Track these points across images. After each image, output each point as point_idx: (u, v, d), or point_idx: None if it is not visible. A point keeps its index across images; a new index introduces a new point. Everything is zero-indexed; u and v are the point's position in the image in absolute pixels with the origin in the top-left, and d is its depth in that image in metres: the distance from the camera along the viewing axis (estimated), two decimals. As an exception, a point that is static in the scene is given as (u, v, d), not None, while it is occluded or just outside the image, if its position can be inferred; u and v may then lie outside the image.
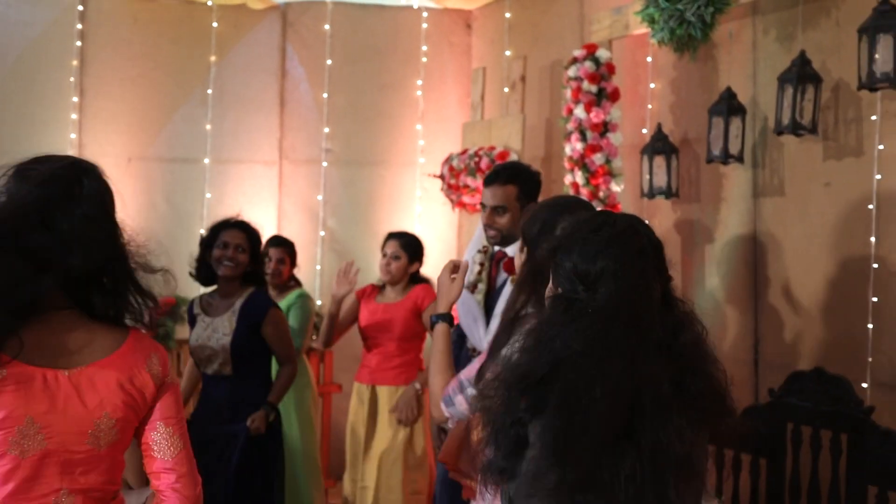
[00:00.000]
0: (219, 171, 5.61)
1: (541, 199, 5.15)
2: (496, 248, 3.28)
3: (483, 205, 3.16)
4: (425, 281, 4.18)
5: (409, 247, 4.11)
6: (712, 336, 4.12)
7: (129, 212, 6.12)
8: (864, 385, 3.22)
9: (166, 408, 1.71)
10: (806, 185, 3.59)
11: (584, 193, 3.99)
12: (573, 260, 1.60)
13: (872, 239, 3.25)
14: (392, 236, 4.19)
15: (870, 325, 3.24)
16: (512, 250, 3.21)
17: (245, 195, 5.65)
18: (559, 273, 1.63)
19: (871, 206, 3.25)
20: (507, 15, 5.49)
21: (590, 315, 1.55)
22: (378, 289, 4.22)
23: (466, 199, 4.74)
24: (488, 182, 3.15)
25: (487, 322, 3.21)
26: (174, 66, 5.56)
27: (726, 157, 3.48)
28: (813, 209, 3.56)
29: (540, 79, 5.17)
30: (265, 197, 5.69)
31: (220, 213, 5.61)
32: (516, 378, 1.57)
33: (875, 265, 3.25)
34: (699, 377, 1.60)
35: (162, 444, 1.69)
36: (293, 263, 4.55)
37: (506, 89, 5.35)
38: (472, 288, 3.31)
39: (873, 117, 3.26)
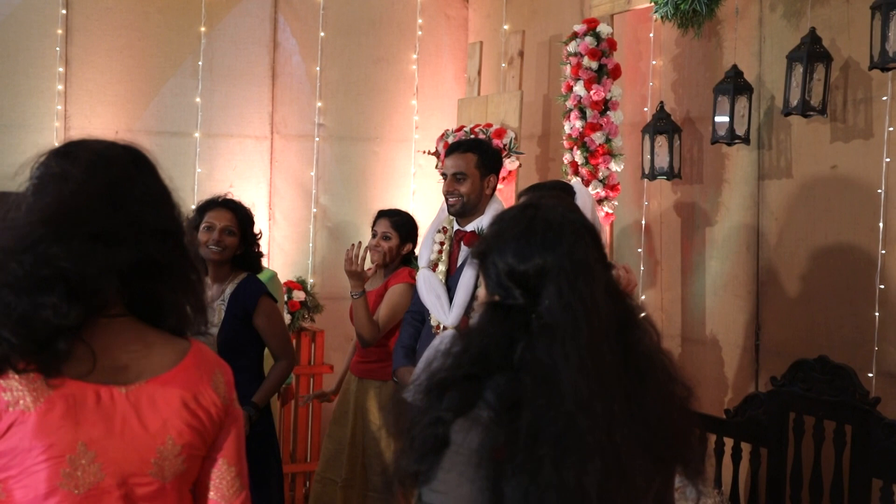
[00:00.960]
0: (209, 145, 5.47)
1: (535, 177, 5.08)
2: (455, 227, 3.29)
3: (444, 174, 3.30)
4: (409, 263, 3.88)
5: (402, 226, 3.81)
6: (713, 321, 4.06)
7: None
8: (870, 375, 3.14)
9: (230, 442, 1.46)
10: (812, 168, 3.48)
11: (584, 173, 3.88)
12: (507, 261, 1.46)
13: (881, 224, 3.15)
14: (383, 214, 3.88)
15: (876, 314, 3.15)
16: (472, 226, 3.24)
17: (236, 170, 5.52)
18: (491, 277, 1.49)
19: (879, 191, 3.15)
20: (506, -12, 5.35)
21: (545, 333, 1.41)
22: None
23: (462, 176, 4.61)
24: (449, 152, 3.31)
25: (451, 299, 3.24)
26: (163, 37, 5.40)
27: (732, 138, 3.37)
28: (819, 192, 3.45)
29: (538, 54, 5.04)
30: (256, 172, 5.56)
31: (211, 187, 5.50)
32: (437, 382, 1.47)
33: (883, 251, 3.15)
34: (654, 400, 1.49)
35: (222, 485, 1.44)
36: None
37: (503, 65, 5.22)
38: (434, 266, 3.34)
39: (884, 98, 3.14)
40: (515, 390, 1.37)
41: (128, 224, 1.35)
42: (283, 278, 5.33)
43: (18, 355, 1.26)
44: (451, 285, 3.25)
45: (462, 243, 3.25)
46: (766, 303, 3.69)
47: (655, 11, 3.60)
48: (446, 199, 3.24)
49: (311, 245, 5.60)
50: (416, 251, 3.79)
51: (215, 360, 1.48)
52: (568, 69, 3.95)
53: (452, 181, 3.21)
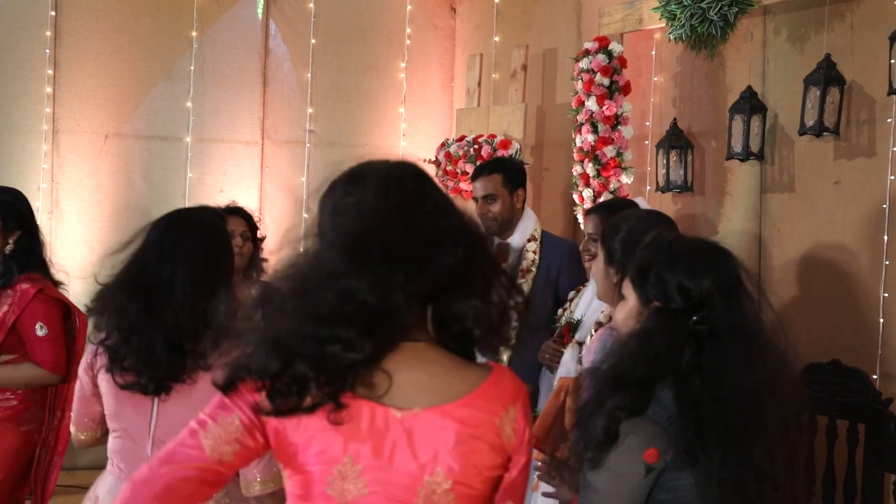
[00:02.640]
0: (200, 150, 5.47)
1: (530, 186, 5.23)
2: (497, 240, 3.43)
3: (475, 198, 3.46)
4: None
5: None
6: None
7: (107, 191, 5.98)
8: (875, 377, 3.37)
9: (517, 484, 1.37)
10: (815, 183, 3.71)
11: (595, 185, 4.04)
12: (678, 277, 1.72)
13: (885, 237, 3.39)
14: None
15: (881, 320, 3.39)
16: (514, 241, 3.39)
17: (226, 175, 5.53)
18: (656, 288, 1.75)
19: (884, 206, 3.39)
20: (497, 0, 5.49)
21: (717, 339, 1.68)
22: None
23: (464, 185, 4.74)
24: (475, 177, 3.50)
25: None
26: (153, 41, 5.38)
27: (747, 155, 3.57)
28: (822, 206, 3.68)
29: (532, 67, 5.19)
30: (247, 178, 5.58)
31: (201, 192, 5.51)
32: (614, 378, 1.68)
33: (887, 262, 3.39)
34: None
35: None
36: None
37: (493, 76, 5.36)
38: None
39: (889, 119, 3.39)
40: (691, 391, 1.56)
41: (424, 244, 1.33)
42: (274, 283, 5.36)
43: (314, 387, 1.30)
44: None
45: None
46: (769, 310, 3.90)
47: (670, 32, 3.78)
48: (482, 223, 3.39)
49: (301, 251, 5.63)
50: None
51: (512, 395, 1.37)
52: (579, 85, 4.11)
53: (484, 204, 3.39)
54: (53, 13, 5.18)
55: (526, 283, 3.31)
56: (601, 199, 4.00)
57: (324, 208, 1.45)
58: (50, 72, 5.19)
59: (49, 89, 5.19)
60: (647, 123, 4.33)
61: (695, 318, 1.68)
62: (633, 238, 2.15)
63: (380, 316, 1.30)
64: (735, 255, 1.84)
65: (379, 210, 1.34)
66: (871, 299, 3.45)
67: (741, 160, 3.65)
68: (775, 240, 3.89)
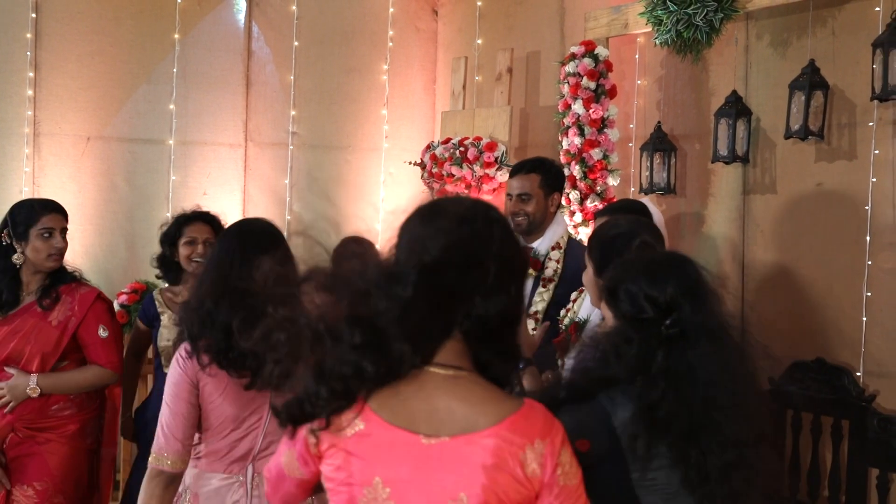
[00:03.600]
0: (183, 152, 5.45)
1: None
2: (522, 241, 3.43)
3: (509, 195, 3.44)
4: None
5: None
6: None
7: (89, 194, 5.94)
8: (858, 374, 3.46)
9: None
10: (797, 185, 3.80)
11: (582, 187, 4.10)
12: (643, 288, 1.85)
13: (867, 238, 3.48)
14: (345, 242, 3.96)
15: (864, 318, 3.48)
16: (541, 245, 3.39)
17: (210, 178, 5.52)
18: (625, 301, 1.88)
19: (867, 207, 3.48)
20: (479, 3, 5.53)
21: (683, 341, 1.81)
22: None
23: (450, 187, 4.77)
24: (514, 173, 3.48)
25: None
26: (135, 43, 5.35)
27: (733, 158, 3.65)
28: (804, 207, 3.77)
29: (515, 69, 5.23)
30: (230, 180, 5.57)
31: (185, 195, 5.50)
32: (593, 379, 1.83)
33: (869, 262, 3.48)
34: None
35: None
36: None
37: (476, 78, 5.41)
38: None
39: (870, 123, 3.48)
40: (654, 393, 1.74)
41: (477, 284, 1.40)
42: (259, 286, 5.36)
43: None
44: None
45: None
46: (752, 308, 3.99)
47: (656, 37, 3.84)
48: (513, 219, 3.37)
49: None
50: None
51: (542, 430, 1.40)
52: (566, 88, 4.16)
53: (518, 202, 3.37)
54: (34, 15, 5.14)
55: (547, 293, 3.32)
56: (588, 202, 4.06)
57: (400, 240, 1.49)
58: (31, 74, 5.15)
59: (30, 92, 5.15)
60: (631, 126, 4.39)
61: (667, 322, 1.79)
62: (618, 248, 2.23)
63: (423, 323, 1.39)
64: (693, 259, 1.95)
65: (447, 239, 1.41)
66: (853, 298, 3.54)
67: (727, 163, 3.73)
68: (758, 241, 3.97)
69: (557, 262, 3.36)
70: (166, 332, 3.44)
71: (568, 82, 4.13)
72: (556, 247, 3.41)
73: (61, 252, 3.25)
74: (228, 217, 5.59)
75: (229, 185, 5.57)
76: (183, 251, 3.44)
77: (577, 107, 4.05)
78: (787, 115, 3.44)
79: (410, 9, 5.92)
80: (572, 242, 3.55)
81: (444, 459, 1.36)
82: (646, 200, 3.05)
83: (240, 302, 2.10)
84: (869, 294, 3.48)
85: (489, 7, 5.50)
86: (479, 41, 5.49)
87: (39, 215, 3.19)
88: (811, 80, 3.34)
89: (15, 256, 3.15)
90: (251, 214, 5.60)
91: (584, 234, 4.20)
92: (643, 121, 4.37)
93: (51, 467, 3.16)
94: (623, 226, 2.29)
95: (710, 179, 4.14)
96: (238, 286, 2.13)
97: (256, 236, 2.31)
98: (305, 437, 1.44)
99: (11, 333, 3.15)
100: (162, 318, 3.46)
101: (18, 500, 3.10)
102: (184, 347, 2.29)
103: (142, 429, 3.43)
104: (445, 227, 1.42)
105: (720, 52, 4.02)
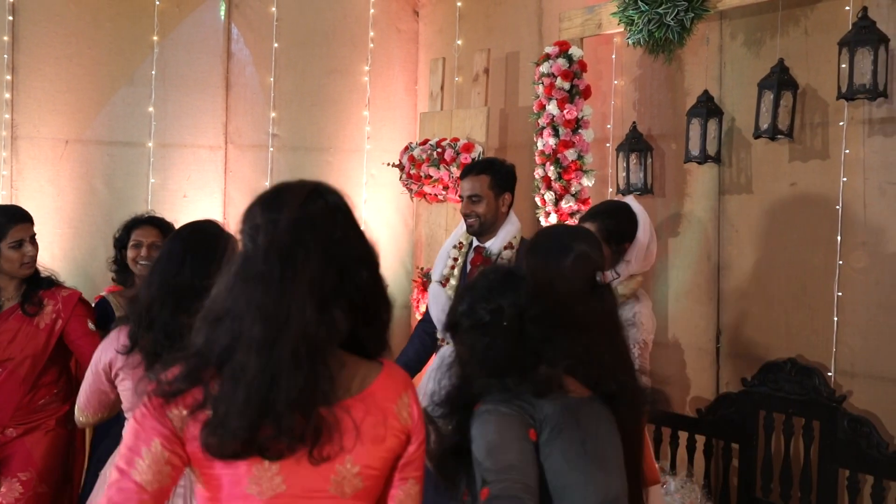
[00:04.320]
0: (162, 154, 5.43)
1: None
2: (475, 243, 3.44)
3: (461, 196, 3.45)
4: None
5: None
6: (676, 326, 4.34)
7: (67, 197, 5.91)
8: (830, 374, 3.45)
9: (418, 460, 1.53)
10: (771, 185, 3.79)
11: (557, 188, 4.08)
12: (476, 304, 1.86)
13: (839, 237, 3.47)
14: None
15: (835, 318, 3.47)
16: (493, 245, 3.39)
17: (190, 180, 5.50)
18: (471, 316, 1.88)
19: (837, 207, 3.47)
20: (459, 4, 5.52)
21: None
22: None
23: (428, 188, 4.76)
24: (464, 175, 3.48)
25: None
26: (114, 45, 5.33)
27: (705, 158, 3.64)
28: (778, 207, 3.76)
29: (494, 70, 5.22)
30: (210, 182, 5.55)
31: (165, 198, 5.49)
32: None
33: (840, 262, 3.47)
34: None
35: (407, 501, 1.53)
36: None
37: (456, 79, 5.39)
38: (445, 282, 3.46)
39: (840, 123, 3.46)
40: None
41: (339, 268, 1.46)
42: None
43: None
44: None
45: (471, 262, 3.40)
46: (727, 309, 3.98)
47: (629, 37, 3.83)
48: (465, 220, 3.39)
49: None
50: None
51: (404, 384, 1.54)
52: (540, 89, 4.15)
53: (468, 203, 3.38)
54: (11, 18, 5.12)
55: None
56: (563, 202, 4.05)
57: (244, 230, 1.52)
58: (8, 77, 5.12)
59: (7, 95, 5.13)
60: (609, 126, 4.38)
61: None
62: (555, 258, 2.18)
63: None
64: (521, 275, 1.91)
65: (290, 232, 1.45)
66: (825, 298, 3.53)
67: (699, 163, 3.72)
68: (733, 240, 3.96)
69: (510, 261, 3.36)
70: None
71: (542, 83, 4.12)
72: (509, 246, 3.41)
73: (33, 258, 3.35)
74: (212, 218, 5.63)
75: (209, 187, 5.55)
76: (129, 254, 3.48)
77: (552, 107, 4.03)
78: (755, 115, 3.43)
79: (391, 10, 5.91)
80: (525, 242, 3.54)
81: (327, 427, 1.40)
82: (629, 200, 3.03)
83: (182, 303, 2.09)
84: (840, 294, 3.47)
85: (469, 8, 5.49)
86: (459, 42, 5.48)
87: (7, 229, 3.22)
88: (780, 80, 3.33)
89: None
90: (232, 217, 5.58)
91: (559, 234, 4.19)
92: (620, 121, 4.36)
93: (35, 458, 3.28)
94: (562, 233, 2.27)
95: (687, 179, 4.13)
96: (181, 287, 2.12)
97: (200, 238, 2.30)
98: (171, 426, 1.41)
99: None
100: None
101: (5, 494, 3.15)
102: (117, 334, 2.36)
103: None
104: (286, 212, 1.45)
105: (695, 51, 4.01)
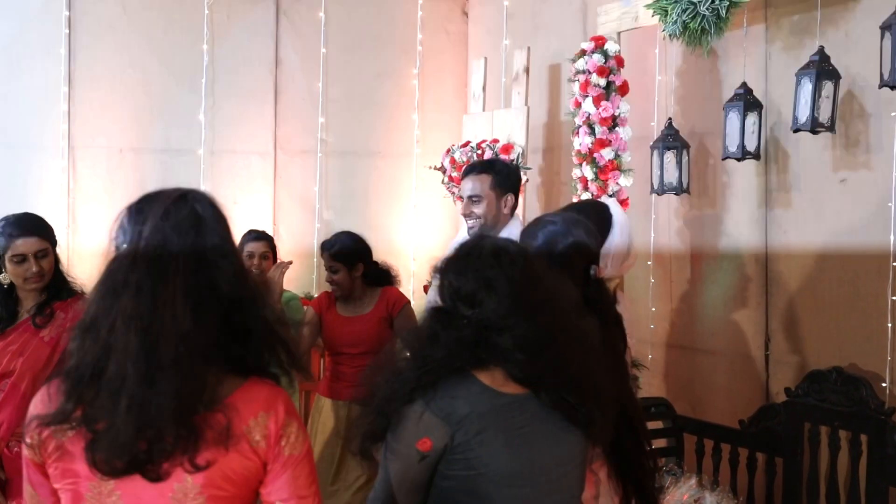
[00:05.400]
0: (213, 162, 5.49)
1: (541, 190, 5.13)
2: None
3: (461, 197, 3.29)
4: (389, 280, 3.87)
5: (341, 255, 3.74)
6: (723, 332, 4.11)
7: (123, 204, 6.02)
8: (884, 385, 3.20)
9: (283, 484, 1.43)
10: (820, 183, 3.55)
11: (594, 188, 3.93)
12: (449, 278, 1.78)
13: (892, 237, 3.22)
14: (322, 248, 3.85)
15: (889, 324, 3.22)
16: None
17: (240, 187, 5.54)
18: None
19: (890, 204, 3.22)
20: (506, 3, 5.41)
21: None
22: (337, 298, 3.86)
23: (469, 192, 4.65)
24: (465, 174, 3.31)
25: None
26: (165, 55, 5.42)
27: (743, 154, 3.43)
28: (828, 206, 3.52)
29: (541, 69, 5.09)
30: (260, 189, 5.59)
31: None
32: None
33: (894, 263, 3.22)
34: None
35: None
36: (276, 259, 4.26)
37: (503, 80, 5.28)
38: None
39: (893, 113, 3.22)
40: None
41: (211, 279, 1.43)
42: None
43: None
44: None
45: None
46: (776, 314, 3.76)
47: (663, 30, 3.66)
48: (466, 221, 3.26)
49: (315, 260, 5.62)
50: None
51: (265, 404, 1.43)
52: (576, 86, 4.00)
53: (468, 203, 3.21)
54: (67, 31, 5.26)
55: None
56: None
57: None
58: (65, 89, 5.26)
59: (65, 106, 5.26)
60: (652, 124, 4.20)
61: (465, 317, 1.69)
62: (549, 245, 2.07)
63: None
64: (508, 248, 1.78)
65: (158, 240, 1.43)
66: (879, 303, 3.29)
67: (737, 159, 3.51)
68: (781, 242, 3.74)
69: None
70: None
71: (578, 80, 3.97)
72: None
73: (38, 275, 3.11)
74: (259, 226, 5.67)
75: (259, 193, 5.58)
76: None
77: (587, 105, 3.89)
78: (793, 107, 3.21)
79: (440, 11, 5.85)
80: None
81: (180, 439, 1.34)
82: (610, 202, 2.87)
83: None
84: (894, 298, 3.22)
85: (516, 6, 5.37)
86: (507, 42, 5.37)
87: (10, 241, 3.06)
88: (820, 69, 3.11)
89: (1, 276, 3.14)
90: (282, 223, 5.62)
91: (597, 237, 4.04)
92: (665, 118, 4.17)
93: None
94: (561, 222, 2.14)
95: (732, 178, 3.92)
96: None
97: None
98: (27, 456, 1.43)
99: (3, 349, 3.15)
100: None
101: None
102: None
103: None
104: (151, 220, 1.43)
105: (738, 42, 3.80)
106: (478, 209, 3.19)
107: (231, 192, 5.54)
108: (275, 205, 5.63)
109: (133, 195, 5.44)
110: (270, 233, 5.68)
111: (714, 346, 4.03)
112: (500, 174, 3.24)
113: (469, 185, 3.21)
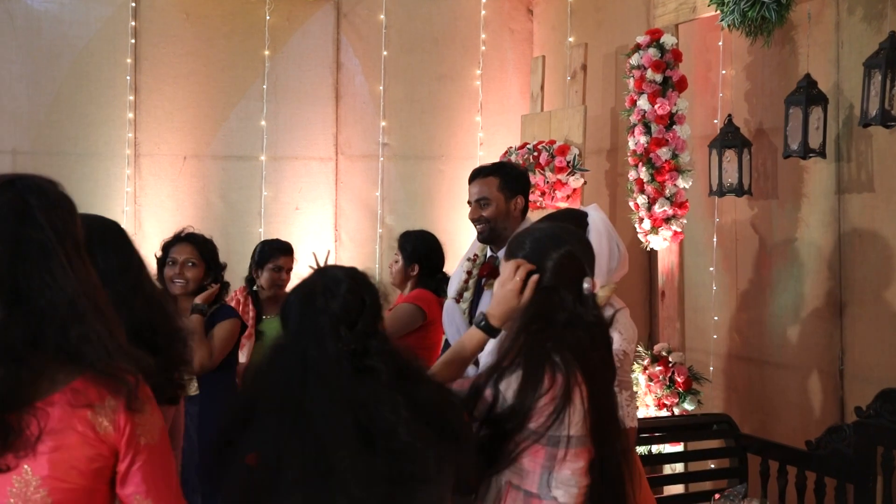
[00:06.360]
0: (274, 167, 5.48)
1: (604, 192, 4.91)
2: (489, 253, 3.14)
3: (469, 202, 3.14)
4: (427, 285, 3.72)
5: (405, 247, 3.74)
6: (793, 343, 3.81)
7: (186, 211, 6.06)
8: (966, 405, 2.89)
9: (138, 475, 1.38)
10: (897, 181, 3.25)
11: (650, 190, 3.71)
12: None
13: (975, 241, 2.91)
14: (398, 238, 3.87)
15: (973, 338, 2.90)
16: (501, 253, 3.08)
17: (301, 192, 5.51)
18: None
19: (973, 205, 2.91)
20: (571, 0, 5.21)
21: None
22: None
23: (527, 195, 4.48)
24: (472, 178, 3.17)
25: None
26: (228, 62, 5.44)
27: (806, 152, 3.16)
28: (905, 207, 3.22)
29: (604, 66, 4.88)
30: (322, 194, 5.54)
31: (277, 210, 5.54)
32: None
33: (978, 271, 2.90)
34: None
35: None
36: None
37: (568, 79, 5.08)
38: (459, 297, 3.18)
39: (976, 105, 2.90)
40: None
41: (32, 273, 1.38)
42: (349, 300, 5.29)
43: None
44: (473, 313, 3.09)
45: (479, 272, 3.11)
46: (851, 325, 3.45)
47: (722, 19, 3.41)
48: (475, 226, 3.09)
49: (377, 265, 5.55)
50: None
51: (111, 388, 1.35)
52: (631, 83, 3.79)
53: (476, 207, 3.07)
54: (133, 41, 5.33)
55: None
56: (657, 207, 3.67)
57: None
58: (131, 98, 5.34)
59: (130, 115, 5.34)
60: (715, 121, 3.94)
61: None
62: (537, 254, 1.94)
63: None
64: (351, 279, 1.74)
65: None
66: (962, 314, 2.97)
67: (801, 158, 3.23)
68: (855, 245, 3.43)
69: None
70: None
71: (633, 76, 3.76)
72: None
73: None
74: (323, 230, 5.62)
75: (321, 199, 5.54)
76: (166, 272, 3.34)
77: (642, 102, 3.66)
78: (862, 99, 2.93)
79: (504, 10, 5.69)
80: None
81: (7, 433, 1.30)
82: (591, 209, 2.64)
83: None
84: (978, 309, 2.90)
85: (580, 2, 5.16)
86: (571, 38, 5.16)
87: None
88: (889, 58, 2.82)
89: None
90: (343, 229, 5.57)
91: (654, 243, 3.81)
92: (731, 115, 3.90)
93: None
94: (550, 230, 1.98)
95: (802, 177, 3.63)
96: None
97: None
98: None
99: None
100: None
101: None
102: None
103: None
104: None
105: (807, 32, 3.51)
106: (486, 212, 3.04)
107: (292, 199, 5.52)
108: (336, 210, 5.57)
109: (196, 202, 5.50)
110: (332, 238, 5.68)
111: (783, 359, 3.75)
112: (509, 176, 3.09)
113: (476, 189, 3.07)
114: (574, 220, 2.41)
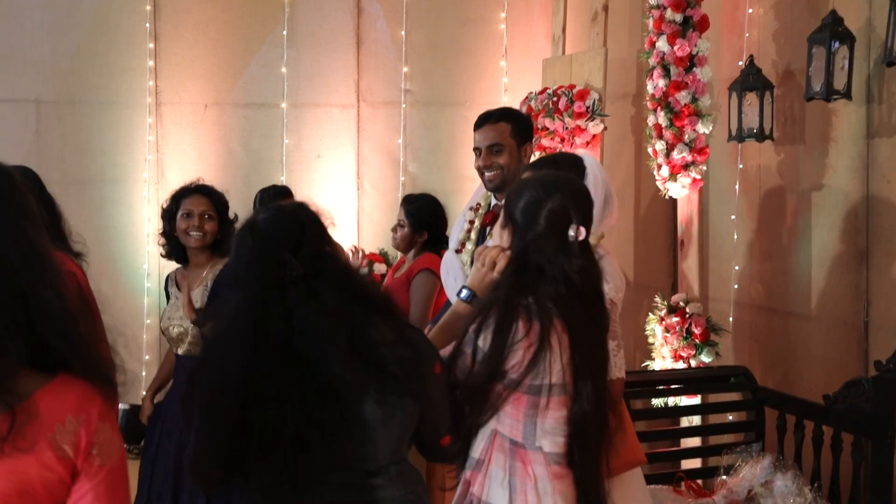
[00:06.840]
0: (295, 115, 5.42)
1: (629, 138, 4.76)
2: (493, 202, 3.03)
3: (477, 149, 2.97)
4: (433, 250, 3.69)
5: (414, 214, 3.68)
6: (817, 294, 3.67)
7: (208, 160, 6.01)
8: None
9: (91, 500, 1.24)
10: (929, 124, 3.07)
11: (668, 136, 3.57)
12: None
13: None
14: (403, 201, 3.82)
15: None
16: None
17: (322, 140, 5.45)
18: None
19: None
20: (597, -64, 5.00)
21: None
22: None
23: (545, 142, 4.36)
24: (478, 125, 2.99)
25: None
26: (247, 8, 5.36)
27: (829, 94, 3.00)
28: (937, 152, 3.05)
29: (631, 6, 4.70)
30: (343, 141, 5.47)
31: (299, 158, 5.49)
32: None
33: None
34: None
35: None
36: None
37: (591, 20, 4.90)
38: (461, 247, 3.08)
39: None
40: None
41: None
42: (371, 248, 5.26)
43: None
44: None
45: (484, 220, 3.01)
46: (877, 275, 3.31)
47: (745, -46, 3.23)
48: (482, 175, 2.96)
49: (400, 214, 5.48)
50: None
51: (75, 407, 1.23)
52: (651, 23, 3.63)
53: (488, 154, 2.92)
54: (152, -13, 5.27)
55: None
56: (675, 153, 3.53)
57: None
58: (151, 45, 5.29)
59: (151, 63, 5.30)
60: (740, 63, 3.76)
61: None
62: (533, 205, 1.91)
63: None
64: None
65: None
66: None
67: (824, 100, 3.07)
68: (885, 193, 3.27)
69: None
70: (166, 311, 3.33)
71: (652, 16, 3.60)
72: None
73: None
74: (344, 178, 5.55)
75: (343, 146, 5.47)
76: (180, 224, 3.24)
77: (662, 43, 3.51)
78: (886, 37, 2.75)
79: (529, -51, 5.50)
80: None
81: None
82: (583, 153, 2.52)
83: None
84: None
85: (607, -61, 4.95)
86: (599, -22, 4.97)
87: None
88: (917, -9, 2.64)
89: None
90: (366, 176, 5.50)
91: (672, 190, 3.68)
92: (757, 56, 3.72)
93: None
94: (546, 179, 1.92)
95: (830, 121, 3.47)
96: None
97: None
98: None
99: None
100: (171, 295, 3.35)
101: None
102: None
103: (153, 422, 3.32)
104: None
105: (838, -35, 3.32)
106: (500, 159, 2.89)
107: (314, 146, 5.47)
108: (358, 158, 5.50)
109: (218, 150, 5.43)
110: (354, 187, 5.62)
111: (807, 310, 3.62)
112: (519, 122, 2.97)
113: (488, 135, 2.92)
114: (570, 165, 2.33)
